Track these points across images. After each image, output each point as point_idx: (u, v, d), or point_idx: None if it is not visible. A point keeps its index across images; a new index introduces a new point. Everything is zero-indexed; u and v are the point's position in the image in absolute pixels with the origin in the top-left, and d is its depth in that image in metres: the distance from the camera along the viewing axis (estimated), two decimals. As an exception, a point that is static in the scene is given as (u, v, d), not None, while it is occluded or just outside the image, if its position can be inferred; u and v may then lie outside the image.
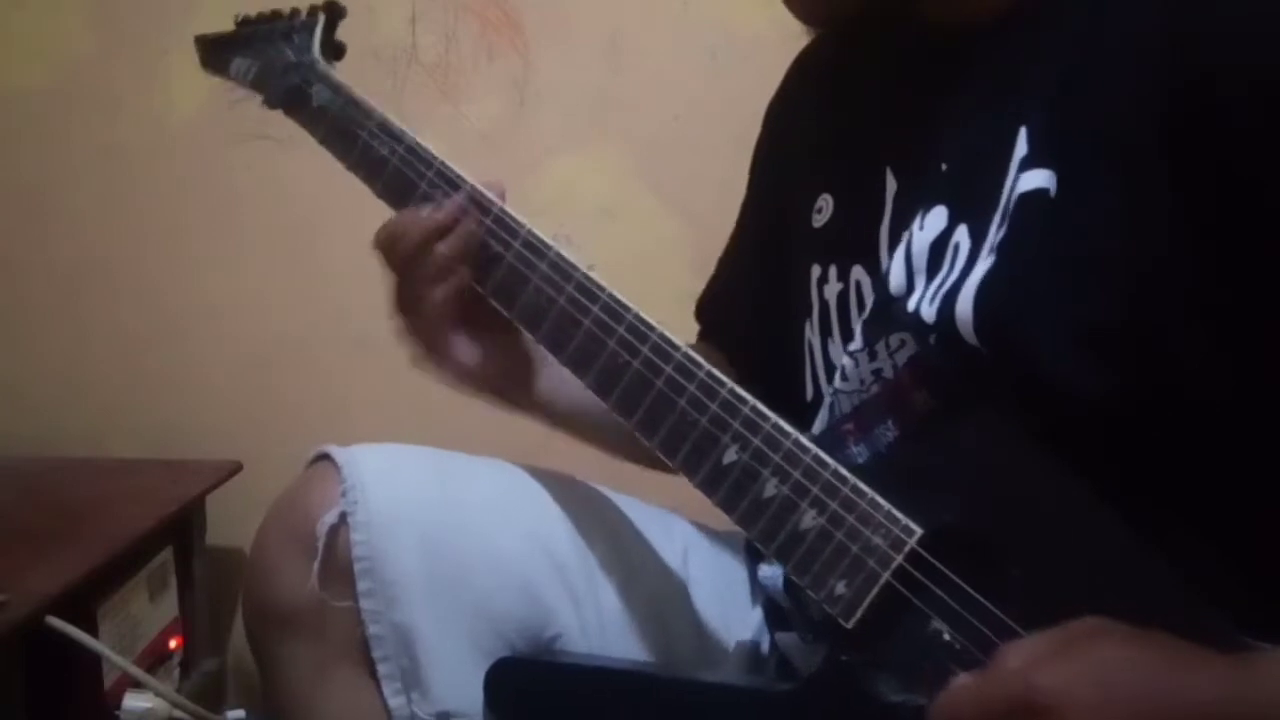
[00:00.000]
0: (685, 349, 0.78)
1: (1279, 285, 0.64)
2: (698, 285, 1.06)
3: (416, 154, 0.89)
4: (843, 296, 0.84)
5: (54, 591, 1.21)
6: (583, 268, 0.83)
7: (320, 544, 0.81)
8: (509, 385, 0.91)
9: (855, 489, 0.70)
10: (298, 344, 1.70)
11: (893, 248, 0.78)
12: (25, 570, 1.23)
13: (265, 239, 1.69)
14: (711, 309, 1.04)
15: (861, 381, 0.79)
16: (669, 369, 0.78)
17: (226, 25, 1.06)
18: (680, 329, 0.88)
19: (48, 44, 1.70)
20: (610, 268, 0.84)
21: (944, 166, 0.76)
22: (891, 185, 0.81)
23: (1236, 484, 0.67)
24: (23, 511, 1.45)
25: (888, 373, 0.77)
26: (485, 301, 0.86)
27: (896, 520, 0.69)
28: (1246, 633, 0.60)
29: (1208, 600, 0.61)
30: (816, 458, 0.72)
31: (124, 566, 1.40)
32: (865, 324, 0.80)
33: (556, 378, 0.88)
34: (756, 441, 0.74)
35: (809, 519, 0.71)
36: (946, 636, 0.67)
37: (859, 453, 0.73)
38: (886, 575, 0.68)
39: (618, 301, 0.80)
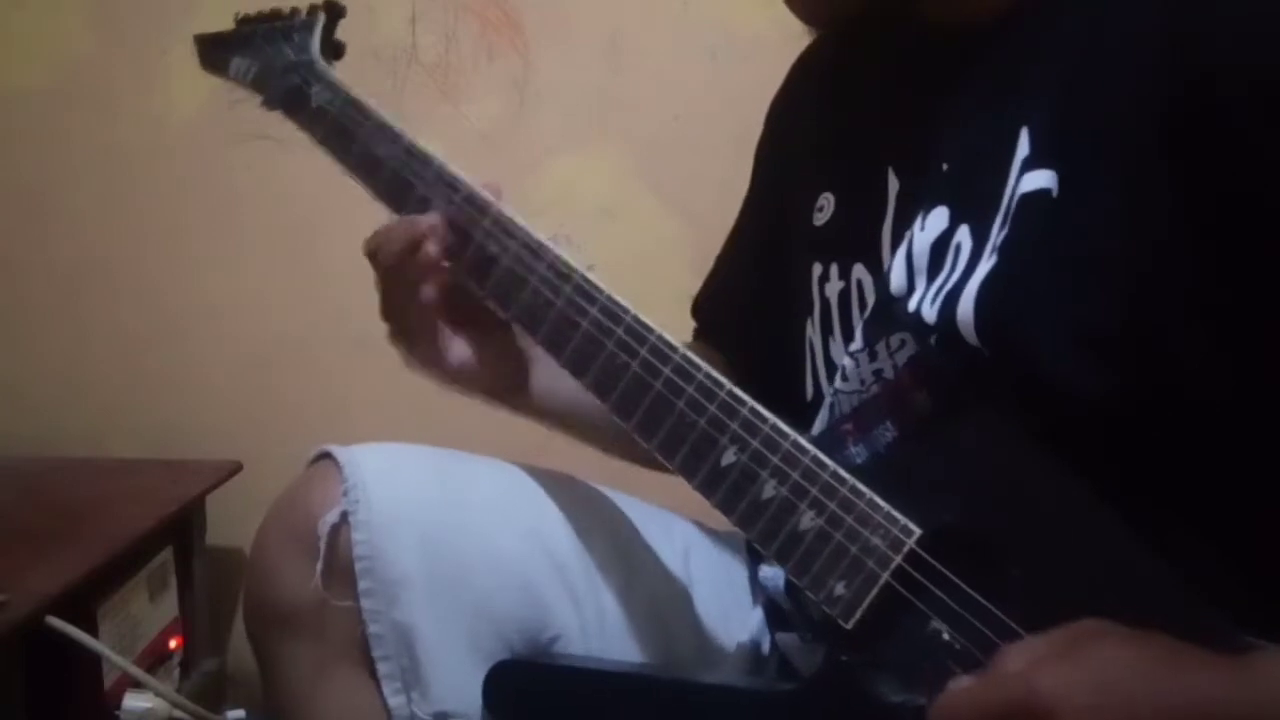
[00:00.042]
0: (684, 350, 0.78)
1: (1279, 285, 0.64)
2: (697, 285, 1.06)
3: (414, 155, 0.89)
4: (844, 295, 0.84)
5: (54, 591, 1.21)
6: (582, 269, 0.83)
7: (321, 543, 0.81)
8: (504, 386, 0.92)
9: (854, 489, 0.70)
10: (298, 344, 1.70)
11: (895, 247, 0.78)
12: (25, 570, 1.23)
13: (265, 239, 1.69)
14: (709, 308, 1.04)
15: (862, 382, 0.79)
16: (667, 370, 0.77)
17: (226, 25, 1.06)
18: (680, 329, 0.88)
19: (48, 44, 1.70)
20: (610, 268, 0.84)
21: (945, 167, 0.76)
22: (894, 185, 0.81)
23: (1236, 484, 0.67)
24: (23, 511, 1.45)
25: (888, 373, 0.77)
26: (479, 301, 0.86)
27: (895, 521, 0.69)
28: (1247, 632, 0.60)
29: (1208, 600, 0.61)
30: (815, 459, 0.72)
31: (124, 566, 1.40)
32: (866, 324, 0.80)
33: (552, 377, 0.88)
34: (755, 443, 0.74)
35: (808, 520, 0.71)
36: (946, 637, 0.67)
37: (857, 453, 0.72)
38: (886, 576, 0.68)
39: (616, 303, 0.80)
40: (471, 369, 0.89)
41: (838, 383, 0.81)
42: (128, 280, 1.73)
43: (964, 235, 0.73)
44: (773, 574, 0.77)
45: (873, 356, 0.78)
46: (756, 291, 0.97)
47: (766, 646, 0.90)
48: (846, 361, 0.80)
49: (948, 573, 0.67)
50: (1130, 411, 0.66)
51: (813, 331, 0.87)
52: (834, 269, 0.85)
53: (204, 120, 1.64)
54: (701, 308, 1.05)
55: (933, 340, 0.72)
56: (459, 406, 0.94)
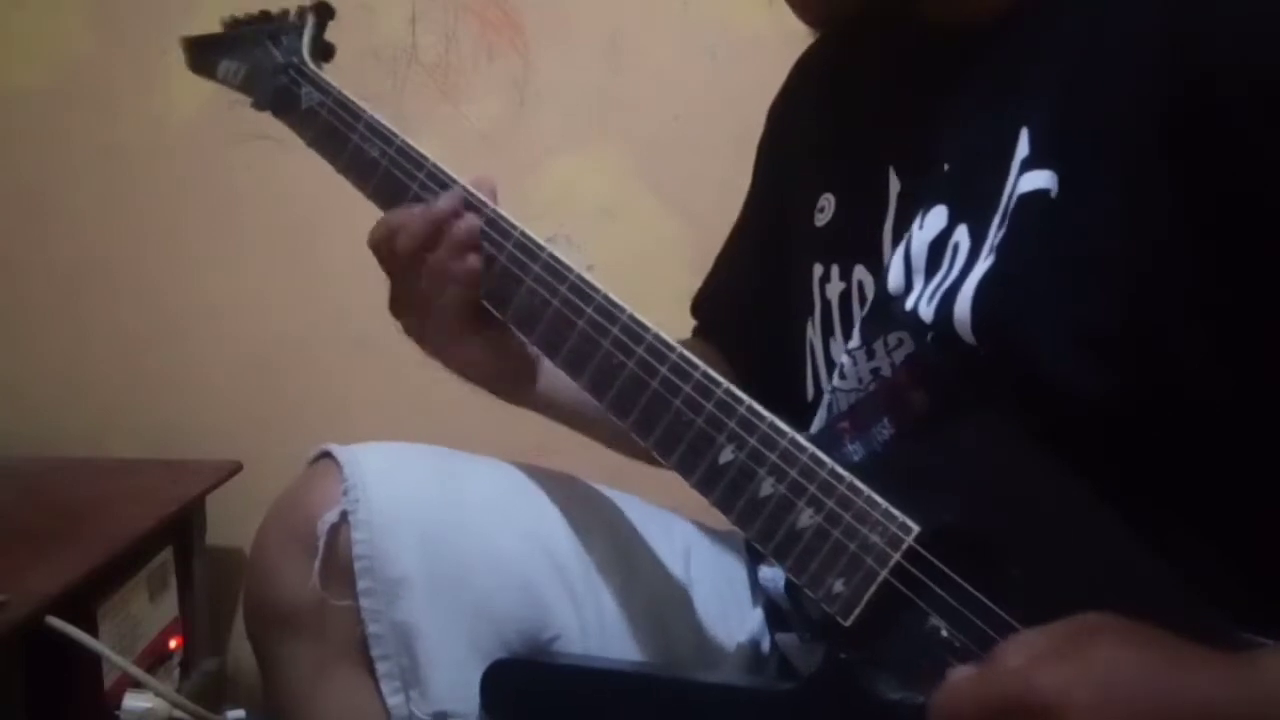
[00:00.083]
0: (681, 349, 0.78)
1: (1279, 285, 0.64)
2: (697, 285, 1.06)
3: (407, 155, 0.88)
4: (845, 296, 0.84)
5: (54, 591, 1.21)
6: (577, 268, 0.82)
7: (321, 543, 0.81)
8: (511, 380, 0.91)
9: (852, 487, 0.70)
10: (298, 344, 1.70)
11: (895, 247, 0.78)
12: (25, 570, 1.23)
13: (265, 239, 1.69)
14: (709, 306, 1.04)
15: (860, 380, 0.79)
16: (664, 369, 0.77)
17: (224, 26, 1.06)
18: (680, 329, 0.88)
19: (48, 44, 1.70)
20: (610, 268, 0.84)
21: (946, 167, 0.76)
22: (895, 185, 0.81)
23: (1236, 484, 0.67)
24: (23, 511, 1.45)
25: (886, 371, 0.77)
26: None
27: (894, 518, 0.69)
28: (1246, 631, 0.60)
29: (1208, 600, 0.61)
30: (813, 456, 0.72)
31: (124, 566, 1.40)
32: (863, 323, 0.80)
33: (558, 373, 0.88)
34: (753, 441, 0.74)
35: (806, 517, 0.71)
36: (945, 634, 0.67)
37: (854, 451, 0.72)
38: (884, 573, 0.68)
39: (611, 302, 0.80)
40: (480, 363, 0.88)
41: (835, 381, 0.81)
42: (128, 280, 1.73)
43: (962, 235, 0.73)
44: (772, 574, 0.77)
45: (870, 355, 0.78)
46: (757, 291, 0.97)
47: (766, 646, 0.90)
48: (844, 359, 0.80)
49: (947, 570, 0.67)
50: (1130, 411, 0.66)
51: (813, 332, 0.87)
52: (835, 270, 0.85)
53: (204, 120, 1.64)
54: (701, 307, 1.05)
55: (930, 339, 0.72)
56: (459, 406, 0.94)
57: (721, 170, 1.06)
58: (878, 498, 0.69)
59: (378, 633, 0.82)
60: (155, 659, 1.47)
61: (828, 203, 0.87)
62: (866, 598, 0.69)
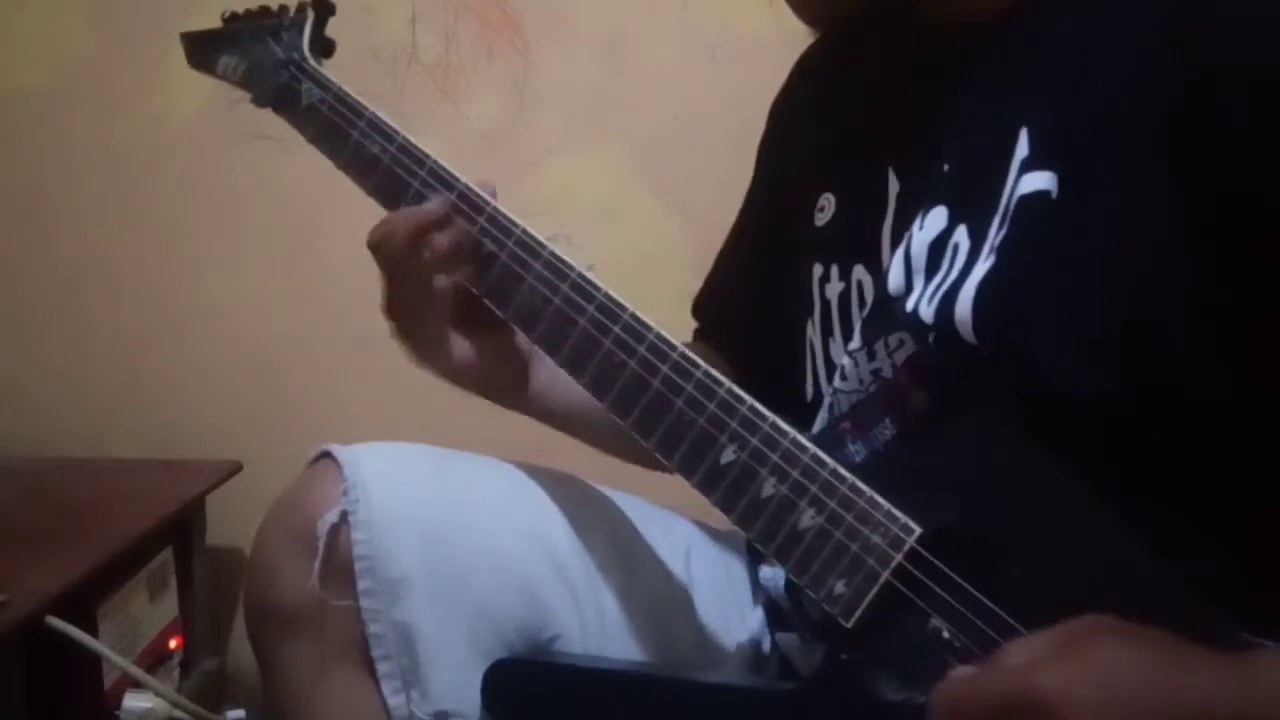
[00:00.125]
0: (682, 349, 0.78)
1: (1279, 285, 0.64)
2: (697, 285, 1.06)
3: (408, 153, 0.88)
4: (844, 296, 0.84)
5: (54, 591, 1.21)
6: (579, 267, 0.82)
7: (321, 543, 0.81)
8: (504, 384, 0.91)
9: (853, 487, 0.70)
10: (298, 344, 1.70)
11: (895, 248, 0.78)
12: (25, 570, 1.23)
13: (265, 239, 1.69)
14: (710, 307, 1.04)
15: (861, 381, 0.79)
16: (665, 369, 0.77)
17: (225, 24, 1.06)
18: (680, 329, 0.88)
19: (48, 44, 1.70)
20: (610, 268, 0.84)
21: (945, 167, 0.76)
22: (894, 185, 0.81)
23: (1236, 484, 0.67)
24: (23, 511, 1.45)
25: (886, 372, 0.77)
26: (479, 300, 0.86)
27: (895, 519, 0.69)
28: (1246, 631, 0.60)
29: (1208, 600, 0.61)
30: (815, 456, 0.72)
31: (124, 566, 1.40)
32: (864, 323, 0.80)
33: (552, 377, 0.88)
34: (754, 441, 0.73)
35: (807, 518, 0.71)
36: (946, 635, 0.67)
37: (856, 451, 0.72)
38: (886, 574, 0.68)
39: (613, 300, 0.80)
40: (472, 367, 0.89)
41: (836, 382, 0.81)
42: (128, 280, 1.73)
43: (961, 235, 0.73)
44: (773, 575, 0.77)
45: (871, 356, 0.78)
46: (757, 291, 0.97)
47: (767, 646, 0.90)
48: (845, 361, 0.80)
49: (948, 571, 0.67)
50: (1130, 411, 0.66)
51: (813, 332, 0.87)
52: (834, 270, 0.85)
53: (204, 120, 1.64)
54: (702, 307, 1.05)
55: (931, 339, 0.72)
56: (459, 406, 0.94)
57: (721, 170, 1.06)
58: (879, 499, 0.69)
59: (378, 633, 0.82)
60: (155, 659, 1.47)
61: (828, 202, 0.87)
62: (868, 599, 0.69)
